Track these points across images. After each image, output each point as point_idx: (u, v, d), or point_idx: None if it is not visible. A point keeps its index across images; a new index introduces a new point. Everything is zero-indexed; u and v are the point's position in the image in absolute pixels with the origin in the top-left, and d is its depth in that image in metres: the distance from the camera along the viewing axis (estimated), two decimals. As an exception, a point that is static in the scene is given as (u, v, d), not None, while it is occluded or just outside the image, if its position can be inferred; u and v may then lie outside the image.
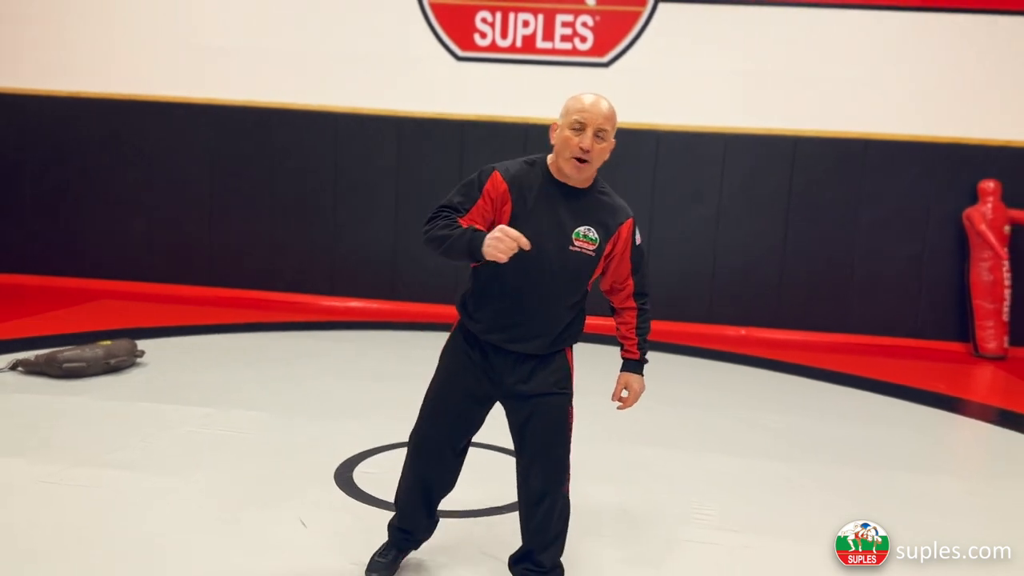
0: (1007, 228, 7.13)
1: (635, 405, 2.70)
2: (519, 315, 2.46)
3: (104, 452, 3.73)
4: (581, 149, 2.36)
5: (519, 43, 7.43)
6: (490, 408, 2.63)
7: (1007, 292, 7.14)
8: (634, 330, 2.63)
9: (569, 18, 7.39)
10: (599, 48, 7.40)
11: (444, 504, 2.78)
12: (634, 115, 7.43)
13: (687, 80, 7.38)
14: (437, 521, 2.80)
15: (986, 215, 7.07)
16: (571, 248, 2.43)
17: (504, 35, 7.44)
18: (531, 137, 7.35)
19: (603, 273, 2.60)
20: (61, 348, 4.96)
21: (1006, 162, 7.20)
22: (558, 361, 2.55)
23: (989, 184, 7.12)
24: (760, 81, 7.33)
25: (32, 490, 3.30)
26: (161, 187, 7.75)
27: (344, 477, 3.60)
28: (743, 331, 7.51)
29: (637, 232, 2.56)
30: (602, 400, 4.88)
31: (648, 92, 7.39)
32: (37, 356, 4.87)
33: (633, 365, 2.65)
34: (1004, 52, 7.18)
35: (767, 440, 4.51)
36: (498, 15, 7.41)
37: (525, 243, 2.23)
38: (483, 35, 7.46)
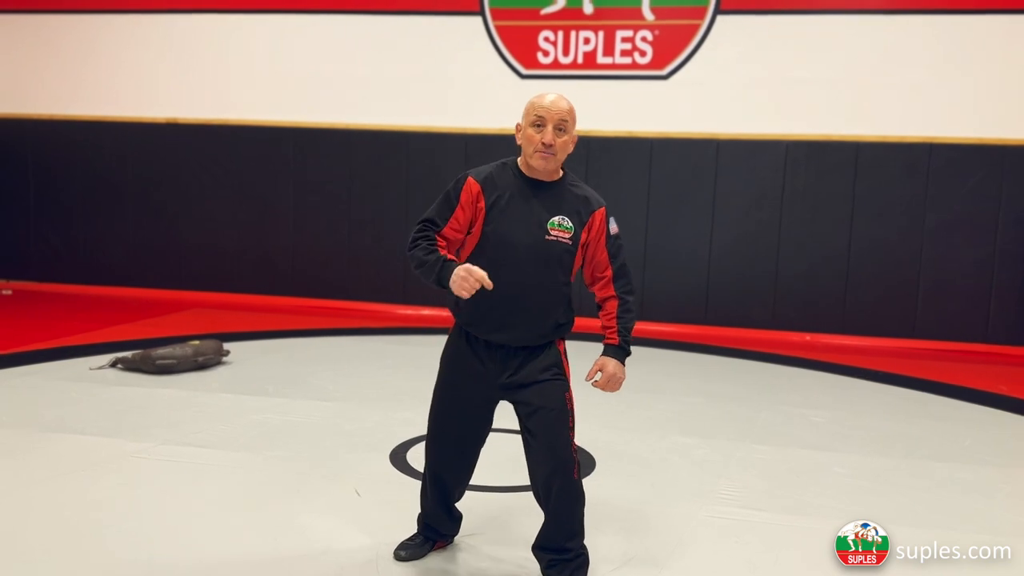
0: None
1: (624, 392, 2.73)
2: (505, 305, 2.57)
3: (189, 433, 4.17)
4: (543, 144, 2.55)
5: (580, 59, 7.72)
6: (494, 407, 2.75)
7: (1081, 295, 6.99)
8: (615, 319, 2.69)
9: (629, 34, 7.64)
10: (658, 61, 7.62)
11: (473, 482, 2.96)
12: (693, 125, 7.62)
13: (746, 89, 7.51)
14: (460, 518, 2.98)
15: (1057, 217, 6.95)
16: (547, 238, 2.58)
17: (566, 52, 7.74)
18: (592, 148, 7.62)
19: (583, 263, 2.71)
20: (155, 347, 5.48)
21: (1078, 163, 7.07)
22: (548, 352, 2.66)
23: (1060, 185, 7.00)
24: (819, 88, 7.40)
25: (126, 462, 3.75)
26: (249, 205, 8.34)
27: (399, 457, 3.93)
28: (808, 337, 7.54)
29: (612, 222, 2.69)
30: (641, 394, 5.11)
31: (707, 102, 7.56)
32: (133, 354, 5.40)
33: (612, 350, 2.69)
34: (1073, 51, 7.07)
35: (805, 432, 4.63)
36: (560, 34, 7.73)
37: (488, 283, 2.41)
38: (546, 53, 7.78)
